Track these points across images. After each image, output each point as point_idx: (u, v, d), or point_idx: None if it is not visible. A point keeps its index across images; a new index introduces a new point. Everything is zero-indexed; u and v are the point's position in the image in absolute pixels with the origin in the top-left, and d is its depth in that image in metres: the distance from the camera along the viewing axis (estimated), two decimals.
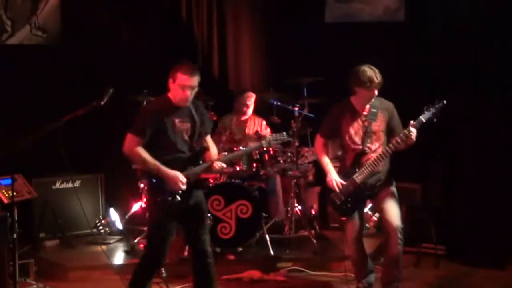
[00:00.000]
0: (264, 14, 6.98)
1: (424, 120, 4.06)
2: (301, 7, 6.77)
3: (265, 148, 5.01)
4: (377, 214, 5.81)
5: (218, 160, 4.07)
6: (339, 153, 4.56)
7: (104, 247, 5.56)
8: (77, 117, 4.22)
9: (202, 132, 4.06)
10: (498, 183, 5.70)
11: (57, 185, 6.05)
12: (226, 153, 4.42)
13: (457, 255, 5.43)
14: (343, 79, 4.37)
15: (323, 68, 6.12)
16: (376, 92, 4.17)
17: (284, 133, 4.39)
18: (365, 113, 4.24)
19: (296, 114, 5.85)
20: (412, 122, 4.08)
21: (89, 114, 4.25)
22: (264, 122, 6.31)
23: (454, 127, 6.01)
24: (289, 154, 5.80)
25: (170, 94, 3.96)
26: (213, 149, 4.15)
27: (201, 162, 4.04)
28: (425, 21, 6.37)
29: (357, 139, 4.24)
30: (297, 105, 5.88)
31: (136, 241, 5.61)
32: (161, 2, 6.87)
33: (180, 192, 3.89)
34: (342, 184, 4.26)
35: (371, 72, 4.11)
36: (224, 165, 4.07)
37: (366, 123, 4.22)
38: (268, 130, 6.23)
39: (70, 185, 6.07)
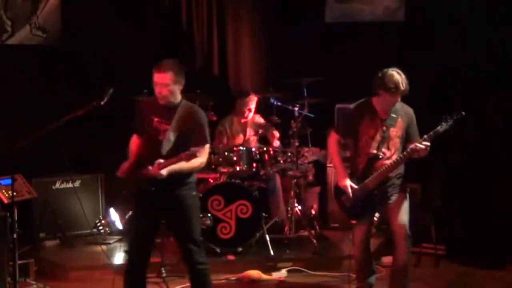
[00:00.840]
0: (264, 14, 6.98)
1: (441, 131, 3.98)
2: (301, 7, 6.77)
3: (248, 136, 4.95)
4: (377, 214, 5.81)
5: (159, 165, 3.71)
6: (346, 154, 4.51)
7: (104, 247, 5.55)
8: (77, 117, 4.21)
9: (183, 142, 3.75)
10: (498, 183, 5.70)
11: (57, 185, 6.05)
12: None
13: (457, 255, 5.43)
14: (343, 79, 4.36)
15: (323, 68, 6.12)
16: (399, 99, 4.06)
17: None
18: (385, 117, 4.13)
19: (296, 114, 5.85)
20: (425, 136, 4.01)
21: (89, 114, 4.24)
22: (260, 117, 6.25)
23: (454, 127, 6.00)
24: (289, 154, 5.79)
25: None
26: (194, 162, 3.73)
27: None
28: (425, 21, 6.37)
29: (374, 143, 4.13)
30: (297, 105, 5.88)
31: None
32: (161, 2, 6.88)
33: (151, 181, 3.74)
34: (353, 188, 4.18)
35: (398, 78, 3.98)
36: (163, 172, 3.68)
37: (384, 128, 4.12)
38: (262, 119, 6.18)
39: (70, 185, 6.07)
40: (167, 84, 3.78)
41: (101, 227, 6.09)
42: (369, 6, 6.77)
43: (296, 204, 5.84)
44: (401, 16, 6.67)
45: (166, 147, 3.79)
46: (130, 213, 5.93)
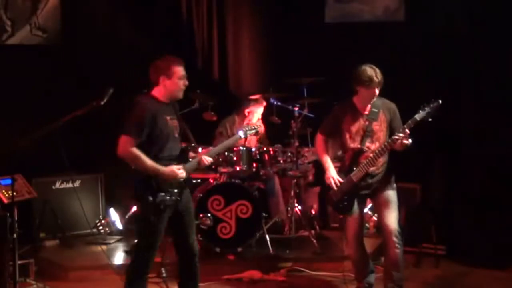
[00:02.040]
0: (264, 14, 6.98)
1: (418, 119, 4.05)
2: (301, 7, 6.77)
3: (247, 138, 5.00)
4: (368, 211, 5.83)
5: (204, 154, 4.06)
6: (339, 153, 4.58)
7: (104, 247, 5.56)
8: (77, 117, 4.22)
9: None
10: (499, 182, 5.70)
11: (57, 185, 6.06)
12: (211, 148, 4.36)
13: (457, 255, 5.43)
14: (343, 79, 4.37)
15: (323, 68, 6.12)
16: (377, 91, 4.18)
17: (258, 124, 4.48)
18: (366, 112, 4.26)
19: (296, 114, 5.85)
20: (404, 125, 4.09)
21: (89, 114, 4.25)
22: (263, 127, 6.25)
23: (454, 126, 6.01)
24: (289, 154, 5.79)
25: (155, 92, 3.93)
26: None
27: (190, 159, 4.02)
28: (425, 21, 6.37)
29: (357, 138, 4.26)
30: (297, 105, 5.88)
31: (136, 241, 5.59)
32: (162, 2, 6.88)
33: (175, 191, 3.85)
34: (340, 182, 4.28)
35: (371, 71, 4.14)
36: (211, 160, 4.06)
37: (366, 123, 4.24)
38: (262, 127, 6.19)
39: (70, 185, 6.07)
40: (186, 75, 3.93)
41: (101, 227, 6.09)
42: (369, 6, 6.78)
43: (296, 204, 5.85)
44: (401, 16, 6.68)
45: (180, 141, 3.97)
46: (132, 212, 5.95)
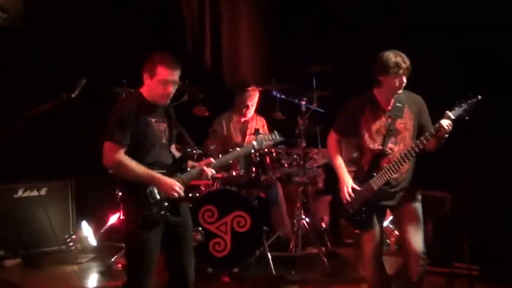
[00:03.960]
0: None
1: (453, 117, 4.03)
2: None
3: (258, 151, 4.98)
4: (389, 224, 5.81)
5: (207, 164, 4.01)
6: (355, 155, 4.55)
7: (75, 267, 5.56)
8: (44, 113, 4.19)
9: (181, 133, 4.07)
10: None
11: (20, 193, 6.02)
12: (218, 157, 4.34)
13: (494, 276, 5.42)
14: (359, 68, 4.36)
15: (335, 55, 6.11)
16: (405, 80, 4.15)
17: (276, 132, 4.46)
18: (389, 107, 4.23)
19: (303, 109, 5.85)
20: (447, 112, 4.05)
21: (58, 109, 4.23)
22: (265, 123, 6.28)
23: (490, 127, 5.99)
24: (295, 156, 5.78)
25: (143, 90, 3.93)
26: None
27: (188, 169, 4.00)
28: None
29: (378, 139, 4.23)
30: (304, 99, 5.88)
31: (113, 260, 5.59)
32: None
33: (165, 204, 3.85)
34: (356, 191, 4.26)
35: (397, 57, 4.10)
36: (214, 172, 4.05)
37: (389, 120, 4.21)
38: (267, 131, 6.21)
39: (35, 193, 6.04)
40: (177, 82, 3.90)
41: (71, 244, 6.07)
42: None
43: (303, 216, 5.83)
44: None
45: (170, 147, 3.97)
46: (108, 226, 5.93)
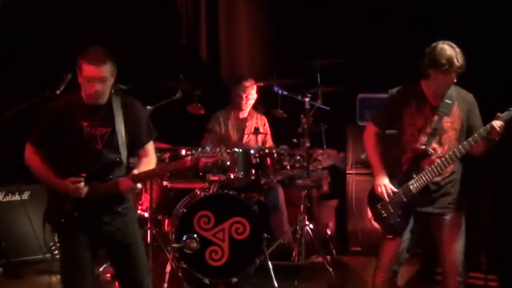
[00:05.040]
0: None
1: (507, 118, 4.03)
2: None
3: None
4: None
5: (130, 176, 3.83)
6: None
7: (59, 276, 5.55)
8: (26, 111, 4.20)
9: (135, 140, 3.94)
10: None
11: (0, 197, 6.05)
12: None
13: None
14: (368, 62, 4.35)
15: (341, 48, 6.12)
16: (454, 79, 4.09)
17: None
18: (437, 103, 4.16)
19: (307, 106, 5.85)
20: (498, 114, 4.04)
21: (41, 106, 4.24)
22: (266, 121, 6.30)
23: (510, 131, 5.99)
24: (298, 157, 5.79)
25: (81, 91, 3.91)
26: (145, 164, 3.94)
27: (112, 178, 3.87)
28: None
29: (422, 137, 4.17)
30: (308, 95, 5.88)
31: (101, 269, 5.59)
32: None
33: (69, 200, 3.83)
34: (393, 192, 4.20)
35: (452, 52, 4.02)
36: (139, 185, 3.86)
37: (436, 117, 4.15)
38: (268, 131, 6.24)
39: (16, 197, 6.06)
40: (106, 78, 3.80)
41: (56, 252, 6.08)
42: None
43: (307, 222, 5.83)
44: None
45: (108, 155, 3.84)
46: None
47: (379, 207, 4.25)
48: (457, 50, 4.05)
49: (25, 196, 6.13)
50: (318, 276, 5.61)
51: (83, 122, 3.82)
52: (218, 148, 3.80)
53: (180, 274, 5.31)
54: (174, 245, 5.15)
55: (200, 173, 5.59)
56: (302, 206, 5.82)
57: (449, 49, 4.03)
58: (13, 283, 5.71)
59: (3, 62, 6.32)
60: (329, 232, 6.30)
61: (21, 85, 5.83)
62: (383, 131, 4.33)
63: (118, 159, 3.84)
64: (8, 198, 6.06)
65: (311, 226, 5.90)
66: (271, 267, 5.40)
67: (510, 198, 5.95)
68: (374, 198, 4.26)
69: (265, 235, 5.52)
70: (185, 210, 5.38)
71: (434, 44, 4.08)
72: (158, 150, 4.71)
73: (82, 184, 3.78)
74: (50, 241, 6.07)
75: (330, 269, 5.54)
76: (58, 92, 4.21)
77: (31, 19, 6.46)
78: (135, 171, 3.81)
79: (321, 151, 5.97)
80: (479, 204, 6.03)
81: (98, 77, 3.76)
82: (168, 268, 5.20)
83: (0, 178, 5.86)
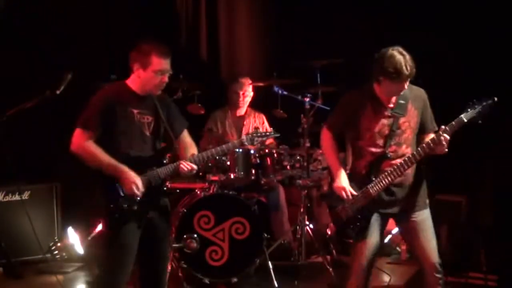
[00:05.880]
0: None
1: (465, 120, 3.97)
2: None
3: (248, 146, 4.96)
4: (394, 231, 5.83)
5: (186, 160, 4.07)
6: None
7: (60, 277, 5.56)
8: (26, 111, 4.21)
9: (172, 130, 4.13)
10: None
11: (0, 197, 6.05)
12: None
13: None
14: (368, 62, 4.33)
15: (342, 48, 6.11)
16: (405, 86, 4.05)
17: (271, 128, 4.58)
18: (391, 105, 4.13)
19: (307, 106, 5.86)
20: (443, 127, 4.00)
21: (42, 106, 4.25)
22: (264, 119, 6.31)
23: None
24: (298, 157, 5.80)
25: (129, 81, 4.05)
26: (192, 150, 4.20)
27: (165, 163, 4.07)
28: None
29: (379, 140, 4.14)
30: (308, 95, 5.89)
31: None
32: None
33: (137, 199, 3.91)
34: (352, 195, 4.18)
35: (400, 59, 3.96)
36: (195, 166, 4.09)
37: (392, 119, 4.13)
38: (268, 128, 6.23)
39: (16, 197, 6.05)
40: (170, 71, 4.03)
41: (56, 252, 6.08)
42: None
43: (307, 222, 5.84)
44: None
45: (156, 141, 4.06)
46: (96, 233, 5.94)
47: (339, 211, 4.23)
48: (407, 57, 3.98)
49: (25, 196, 6.12)
50: (318, 276, 5.61)
51: (134, 109, 3.99)
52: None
53: (180, 274, 5.32)
54: (174, 245, 5.14)
55: (200, 173, 5.60)
56: (302, 206, 5.82)
57: (398, 57, 3.97)
58: (13, 283, 5.71)
59: (3, 62, 6.32)
60: (329, 232, 6.28)
61: (21, 85, 5.83)
62: (339, 134, 4.34)
63: (165, 146, 4.09)
64: (8, 198, 6.07)
65: (311, 226, 5.92)
66: (271, 267, 5.40)
67: (510, 198, 5.96)
68: (332, 199, 4.25)
69: (265, 235, 5.53)
70: (185, 210, 5.38)
71: (383, 50, 4.03)
72: None
73: (141, 185, 3.90)
74: (50, 242, 6.11)
75: (330, 269, 5.54)
76: (58, 92, 4.23)
77: (31, 19, 6.45)
78: (194, 154, 4.06)
79: (320, 151, 5.96)
80: (479, 203, 6.04)
81: (168, 69, 4.01)
82: (168, 268, 5.20)
83: (0, 178, 5.85)
